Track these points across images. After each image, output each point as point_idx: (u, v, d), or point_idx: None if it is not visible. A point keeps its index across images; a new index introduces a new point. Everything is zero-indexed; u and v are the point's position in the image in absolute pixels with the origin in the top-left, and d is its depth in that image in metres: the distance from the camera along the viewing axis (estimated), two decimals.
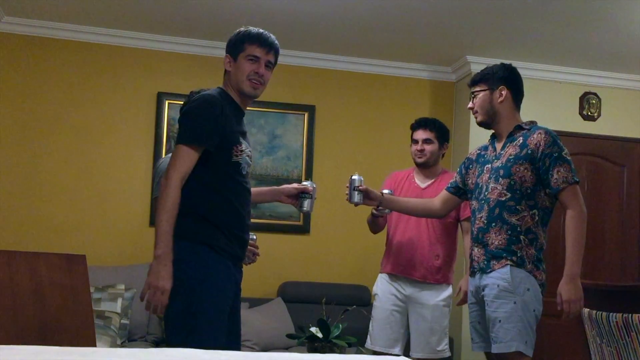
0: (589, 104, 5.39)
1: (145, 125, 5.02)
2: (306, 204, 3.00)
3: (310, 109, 5.25)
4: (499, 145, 3.00)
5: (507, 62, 3.21)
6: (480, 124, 3.07)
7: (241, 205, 2.50)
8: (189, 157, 2.38)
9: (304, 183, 3.05)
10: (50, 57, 4.93)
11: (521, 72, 5.93)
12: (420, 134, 3.80)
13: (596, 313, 2.39)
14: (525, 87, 5.98)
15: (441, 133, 3.82)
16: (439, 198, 3.28)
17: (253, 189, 2.72)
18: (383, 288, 3.78)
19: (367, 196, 3.26)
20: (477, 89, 3.03)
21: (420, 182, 3.81)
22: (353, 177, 3.24)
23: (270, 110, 5.14)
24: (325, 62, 5.30)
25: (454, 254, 3.78)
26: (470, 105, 3.07)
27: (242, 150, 2.48)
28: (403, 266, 3.71)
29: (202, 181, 2.42)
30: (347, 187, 3.28)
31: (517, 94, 3.06)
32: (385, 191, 3.47)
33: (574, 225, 2.78)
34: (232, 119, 2.50)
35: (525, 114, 5.80)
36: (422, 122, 3.84)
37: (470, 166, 3.11)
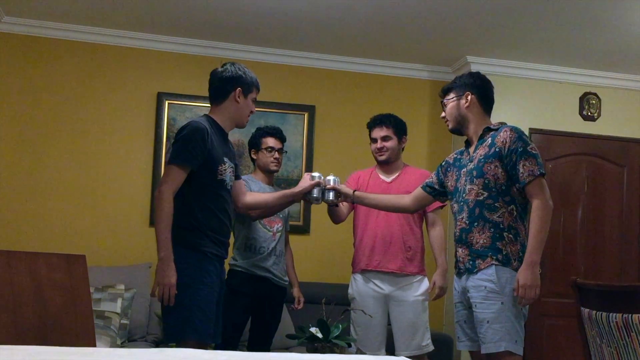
0: (589, 104, 5.39)
1: (145, 125, 5.02)
2: (315, 191, 3.41)
3: (310, 109, 5.25)
4: (472, 149, 3.07)
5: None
6: (451, 131, 3.19)
7: (224, 216, 2.98)
8: (178, 175, 2.84)
9: (328, 178, 3.47)
10: (50, 57, 4.93)
11: (521, 72, 5.93)
12: (378, 132, 3.83)
13: (596, 313, 2.39)
14: (525, 87, 5.98)
15: (398, 128, 3.84)
16: (411, 195, 3.39)
17: (275, 194, 3.47)
18: (360, 290, 3.79)
19: (338, 194, 3.48)
20: (447, 98, 3.14)
21: (385, 177, 3.84)
22: (328, 178, 3.47)
23: (270, 110, 5.14)
24: (325, 62, 5.30)
25: (422, 244, 3.83)
26: (442, 115, 3.18)
27: (225, 169, 2.96)
28: (378, 261, 3.73)
29: (196, 198, 2.89)
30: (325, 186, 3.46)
31: (483, 98, 3.09)
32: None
33: (538, 216, 2.81)
34: (216, 142, 2.95)
35: (525, 115, 5.80)
36: (378, 120, 3.86)
37: (449, 169, 3.19)
